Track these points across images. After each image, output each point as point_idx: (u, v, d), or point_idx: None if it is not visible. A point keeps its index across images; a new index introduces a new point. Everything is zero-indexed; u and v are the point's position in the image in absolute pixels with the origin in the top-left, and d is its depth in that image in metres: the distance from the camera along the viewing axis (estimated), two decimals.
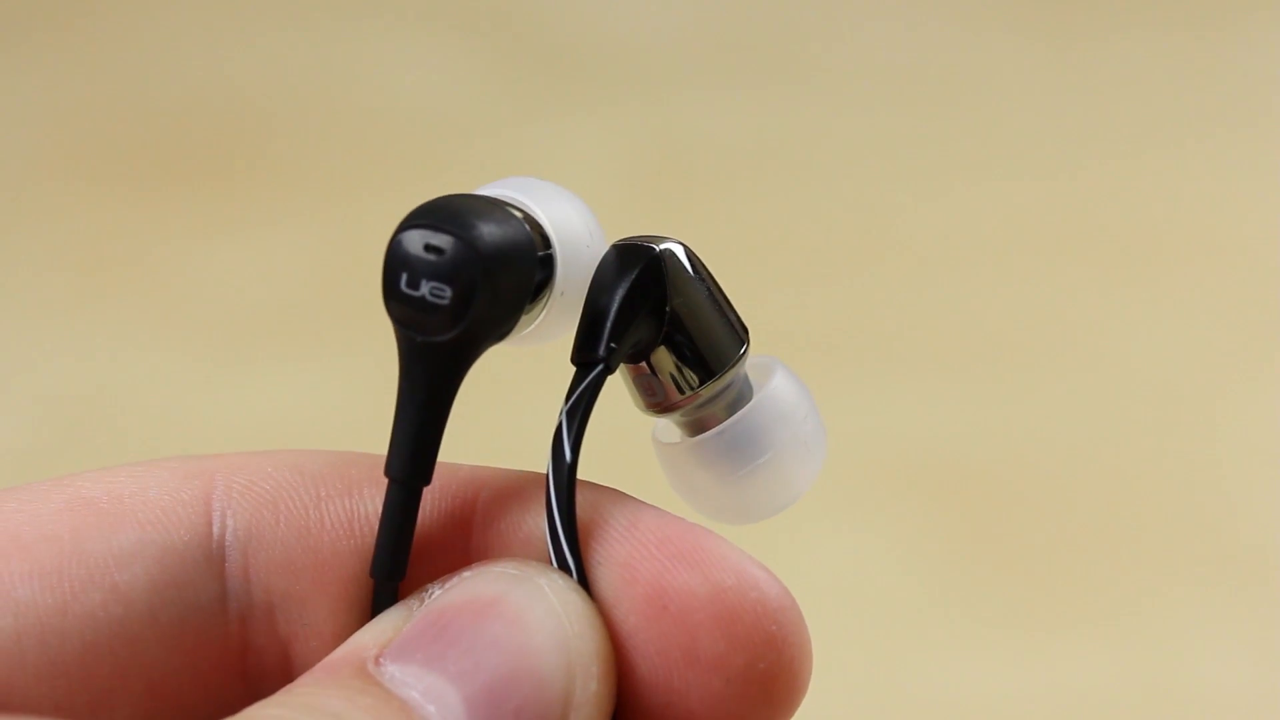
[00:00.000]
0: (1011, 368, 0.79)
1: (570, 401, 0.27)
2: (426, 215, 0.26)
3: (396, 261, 0.26)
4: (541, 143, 0.91)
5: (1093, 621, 0.69)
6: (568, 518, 0.27)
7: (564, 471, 0.27)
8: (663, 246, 0.28)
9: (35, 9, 0.99)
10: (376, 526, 0.28)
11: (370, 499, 0.28)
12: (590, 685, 0.26)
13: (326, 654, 0.27)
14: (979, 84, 0.95)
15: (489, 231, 0.26)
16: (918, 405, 0.77)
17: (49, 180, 0.90)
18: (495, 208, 0.27)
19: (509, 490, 0.28)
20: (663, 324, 0.28)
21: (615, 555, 0.27)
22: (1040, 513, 0.73)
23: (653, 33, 0.98)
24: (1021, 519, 0.73)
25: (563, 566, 0.27)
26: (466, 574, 0.27)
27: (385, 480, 0.27)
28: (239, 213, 0.87)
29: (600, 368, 0.27)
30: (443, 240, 0.26)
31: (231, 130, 0.93)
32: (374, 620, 0.27)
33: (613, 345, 0.27)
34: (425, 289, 0.26)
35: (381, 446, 0.28)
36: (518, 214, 0.27)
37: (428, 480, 0.27)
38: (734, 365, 0.29)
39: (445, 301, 0.26)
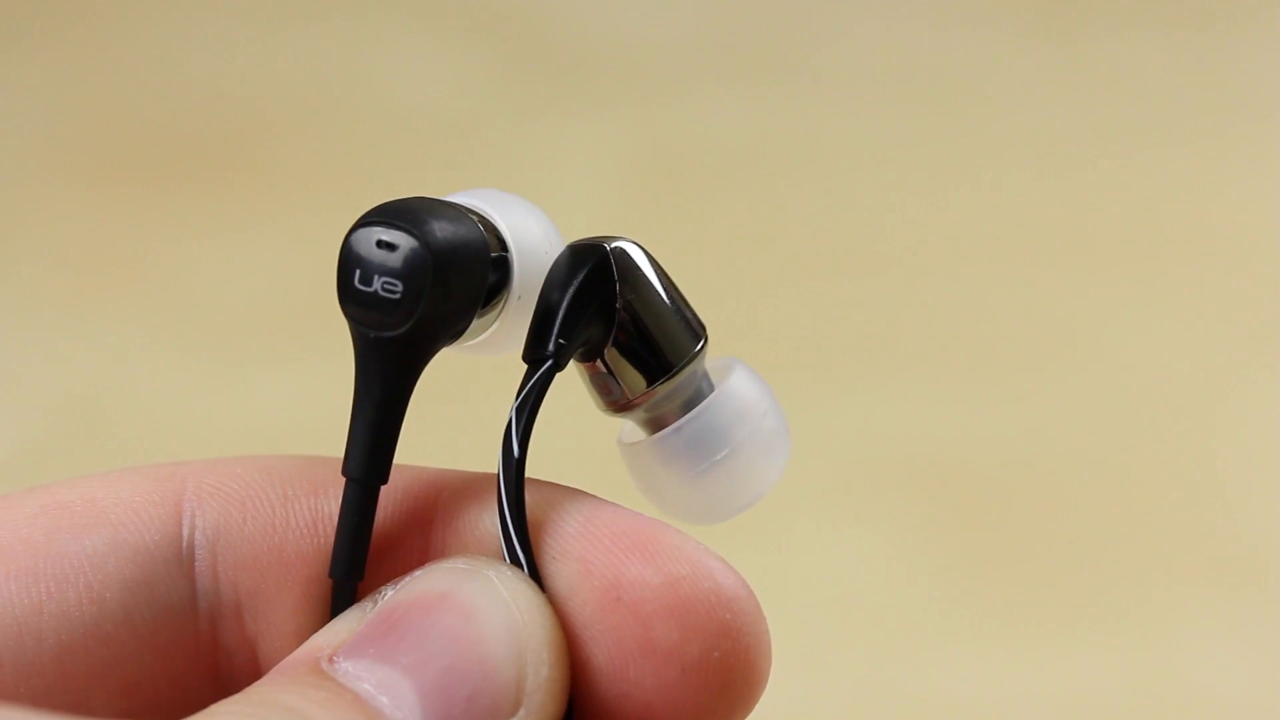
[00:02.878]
0: (1012, 368, 0.79)
1: (519, 398, 0.27)
2: (379, 214, 0.27)
3: (350, 259, 0.27)
4: (542, 144, 0.91)
5: (1093, 621, 0.69)
6: (517, 512, 0.27)
7: (512, 466, 0.27)
8: (614, 245, 0.28)
9: (35, 9, 0.99)
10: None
11: (336, 499, 0.28)
12: (542, 671, 0.26)
13: (289, 654, 0.27)
14: (979, 84, 0.95)
15: (440, 228, 0.27)
16: (918, 405, 0.77)
17: (48, 181, 0.90)
18: (448, 208, 0.27)
19: (468, 490, 0.29)
20: (613, 321, 0.28)
21: (570, 549, 0.27)
22: (1040, 513, 0.73)
23: (653, 34, 0.98)
24: (1022, 519, 0.72)
25: (514, 560, 0.27)
26: (418, 573, 0.27)
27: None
28: (239, 213, 0.87)
29: (549, 364, 0.28)
30: (394, 236, 0.26)
31: (231, 131, 0.93)
32: (330, 624, 0.27)
33: (561, 341, 0.28)
34: (378, 284, 0.27)
35: None
36: (473, 217, 0.28)
37: (384, 479, 0.27)
38: (688, 362, 0.29)
39: (397, 296, 0.26)
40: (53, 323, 0.82)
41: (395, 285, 0.26)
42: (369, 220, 0.27)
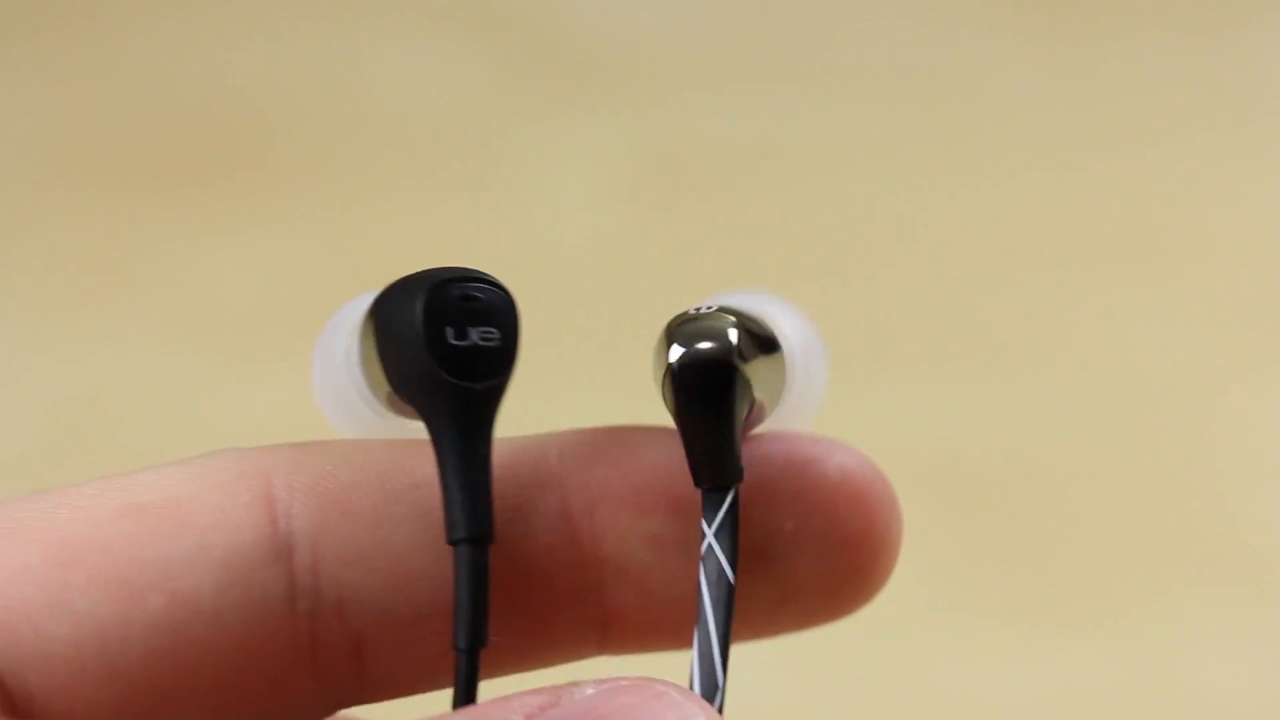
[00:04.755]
0: (1014, 369, 0.79)
1: (716, 523, 0.27)
2: (445, 274, 0.27)
3: (438, 318, 0.27)
4: (545, 145, 0.91)
5: (1096, 622, 0.69)
6: (724, 643, 0.27)
7: (725, 591, 0.27)
8: (731, 360, 0.28)
9: (35, 10, 0.99)
10: (446, 518, 0.27)
11: (436, 491, 0.28)
12: None
13: (403, 643, 0.27)
14: (981, 85, 0.95)
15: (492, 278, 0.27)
16: (920, 406, 0.77)
17: (50, 182, 0.90)
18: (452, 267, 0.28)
19: (598, 436, 0.29)
20: (747, 403, 0.29)
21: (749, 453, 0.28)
22: (1043, 513, 0.73)
23: (656, 34, 0.98)
24: (1024, 519, 0.73)
25: (708, 689, 0.27)
26: (624, 682, 0.26)
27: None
28: (241, 214, 0.87)
29: (736, 486, 0.28)
30: (477, 289, 0.27)
31: (233, 131, 0.93)
32: (514, 699, 0.25)
33: (740, 464, 0.28)
34: (475, 336, 0.27)
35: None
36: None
37: (492, 534, 0.27)
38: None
39: (497, 343, 0.27)
40: (54, 322, 0.82)
41: (493, 333, 0.27)
42: (441, 281, 0.27)
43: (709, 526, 0.27)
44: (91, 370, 0.80)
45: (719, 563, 0.27)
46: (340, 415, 0.29)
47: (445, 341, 0.27)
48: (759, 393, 0.28)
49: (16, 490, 0.29)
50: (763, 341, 0.29)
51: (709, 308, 0.29)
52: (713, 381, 0.28)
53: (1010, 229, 0.86)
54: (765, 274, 0.84)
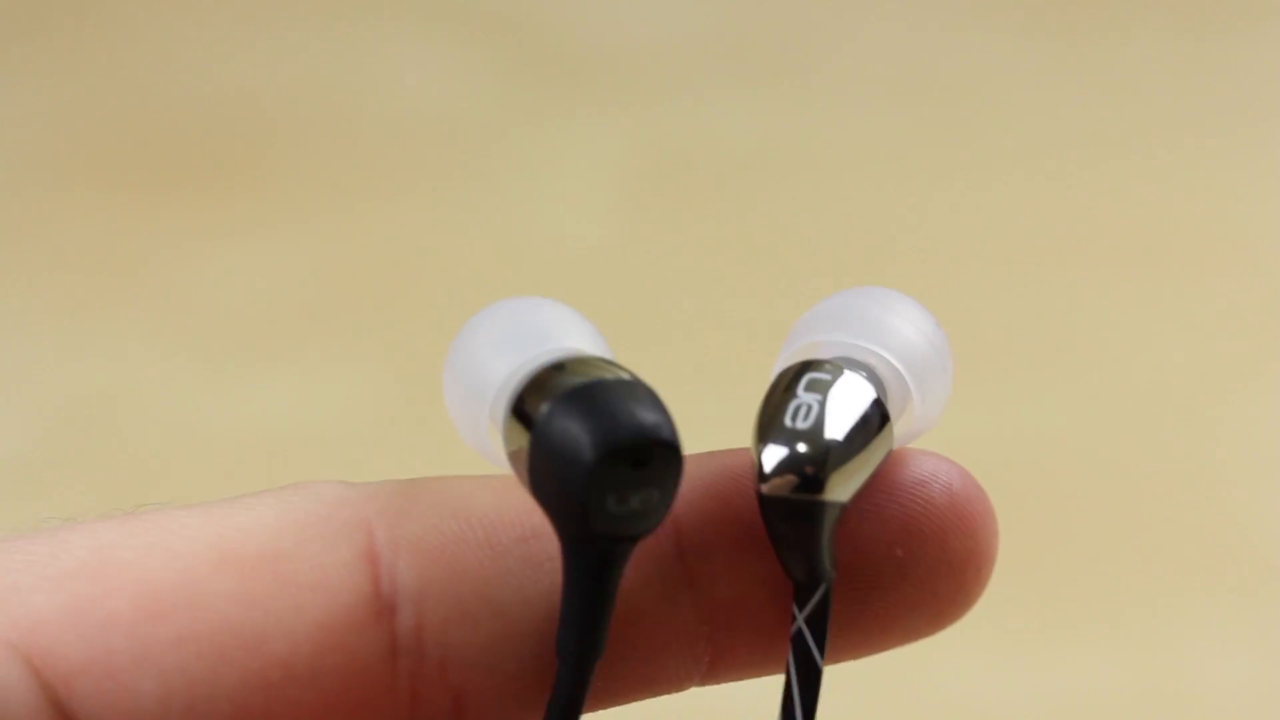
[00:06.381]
0: (1015, 370, 0.79)
1: (808, 611, 0.26)
2: (619, 429, 0.25)
3: (604, 485, 0.25)
4: (547, 147, 0.91)
5: (1097, 624, 0.69)
6: None
7: (813, 677, 0.26)
8: (823, 501, 0.27)
9: (37, 12, 0.99)
10: (559, 567, 0.26)
11: (545, 543, 0.27)
12: None
13: (505, 697, 0.26)
14: (984, 86, 0.95)
15: (669, 421, 0.25)
16: None
17: (51, 185, 0.90)
18: (638, 385, 0.26)
19: (704, 470, 0.27)
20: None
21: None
22: (1044, 515, 0.73)
23: (658, 36, 0.98)
24: (1025, 521, 0.72)
25: None
26: None
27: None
28: (243, 217, 0.87)
29: (828, 583, 0.27)
30: (651, 453, 0.25)
31: (235, 134, 0.93)
32: None
33: (831, 568, 0.27)
34: (635, 501, 0.25)
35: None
36: (627, 375, 0.26)
37: (602, 652, 0.26)
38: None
39: (654, 504, 0.25)
40: (56, 325, 0.82)
41: (653, 495, 0.25)
42: (618, 447, 0.25)
43: (800, 611, 0.26)
44: (93, 373, 0.80)
45: (809, 650, 0.26)
46: (471, 439, 0.28)
47: (605, 509, 0.25)
48: (861, 477, 0.27)
49: (17, 492, 0.28)
50: (868, 426, 0.27)
51: (811, 376, 0.27)
52: (802, 516, 0.26)
53: (1012, 231, 0.86)
54: (771, 277, 0.84)
